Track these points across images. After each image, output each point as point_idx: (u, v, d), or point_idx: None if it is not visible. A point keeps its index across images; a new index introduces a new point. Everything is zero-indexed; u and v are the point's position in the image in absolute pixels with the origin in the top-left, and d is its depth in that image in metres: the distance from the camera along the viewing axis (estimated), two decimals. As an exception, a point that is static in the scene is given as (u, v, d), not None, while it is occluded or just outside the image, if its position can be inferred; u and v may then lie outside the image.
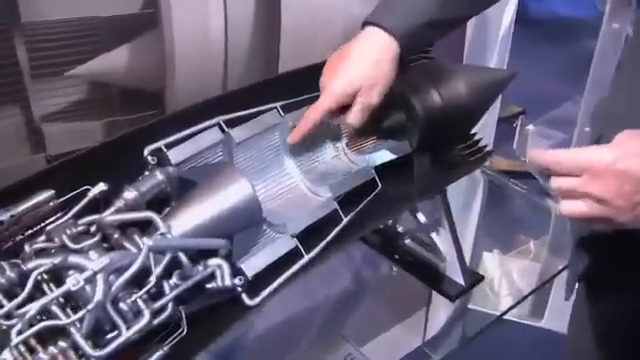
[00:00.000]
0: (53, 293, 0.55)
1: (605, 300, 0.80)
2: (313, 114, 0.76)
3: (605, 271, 0.77)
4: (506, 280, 1.84)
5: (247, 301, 0.69)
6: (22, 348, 0.53)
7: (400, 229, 1.02)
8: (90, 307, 0.55)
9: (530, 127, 1.78)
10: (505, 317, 1.85)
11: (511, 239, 1.76)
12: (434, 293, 1.79)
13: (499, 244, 1.78)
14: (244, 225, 0.71)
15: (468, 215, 1.64)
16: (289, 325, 1.28)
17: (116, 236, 0.63)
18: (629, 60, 0.77)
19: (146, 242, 0.60)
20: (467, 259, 1.58)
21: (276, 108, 0.79)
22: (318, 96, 0.81)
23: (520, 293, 1.79)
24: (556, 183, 0.56)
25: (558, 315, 1.86)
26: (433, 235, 0.94)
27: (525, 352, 1.76)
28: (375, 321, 1.59)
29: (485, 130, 1.55)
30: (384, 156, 0.84)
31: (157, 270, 0.60)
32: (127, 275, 0.58)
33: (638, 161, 0.52)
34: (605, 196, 0.53)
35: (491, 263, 1.83)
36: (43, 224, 0.63)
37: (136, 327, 0.58)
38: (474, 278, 0.96)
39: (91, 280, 0.57)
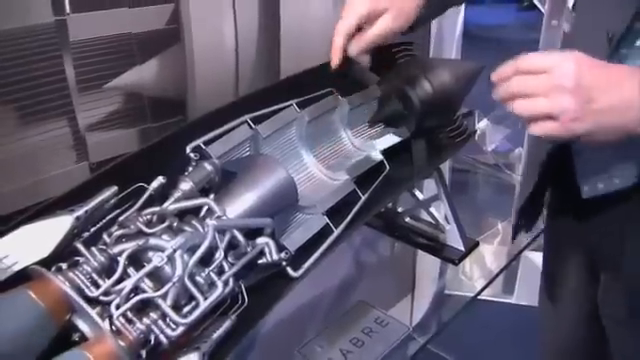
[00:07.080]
0: (144, 269, 0.62)
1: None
2: (347, 20, 0.80)
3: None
4: (477, 264, 1.98)
5: (292, 273, 0.78)
6: (122, 320, 0.60)
7: (400, 209, 1.13)
8: (174, 280, 0.63)
9: (485, 121, 1.94)
10: (480, 297, 2.00)
11: (478, 224, 1.91)
12: (417, 282, 1.92)
13: (467, 230, 1.92)
14: (283, 207, 0.79)
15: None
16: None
17: (176, 223, 0.71)
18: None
19: (210, 223, 0.68)
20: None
21: (292, 105, 0.88)
22: (325, 94, 0.92)
23: (491, 274, 1.94)
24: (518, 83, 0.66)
25: (526, 290, 2.03)
26: (431, 209, 1.06)
27: (501, 326, 1.90)
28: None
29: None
30: (387, 141, 0.95)
31: (222, 245, 0.68)
32: (201, 250, 0.66)
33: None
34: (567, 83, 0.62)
35: (461, 249, 1.97)
36: (110, 216, 0.69)
37: (212, 297, 0.66)
38: (472, 243, 1.08)
39: (170, 258, 0.64)
